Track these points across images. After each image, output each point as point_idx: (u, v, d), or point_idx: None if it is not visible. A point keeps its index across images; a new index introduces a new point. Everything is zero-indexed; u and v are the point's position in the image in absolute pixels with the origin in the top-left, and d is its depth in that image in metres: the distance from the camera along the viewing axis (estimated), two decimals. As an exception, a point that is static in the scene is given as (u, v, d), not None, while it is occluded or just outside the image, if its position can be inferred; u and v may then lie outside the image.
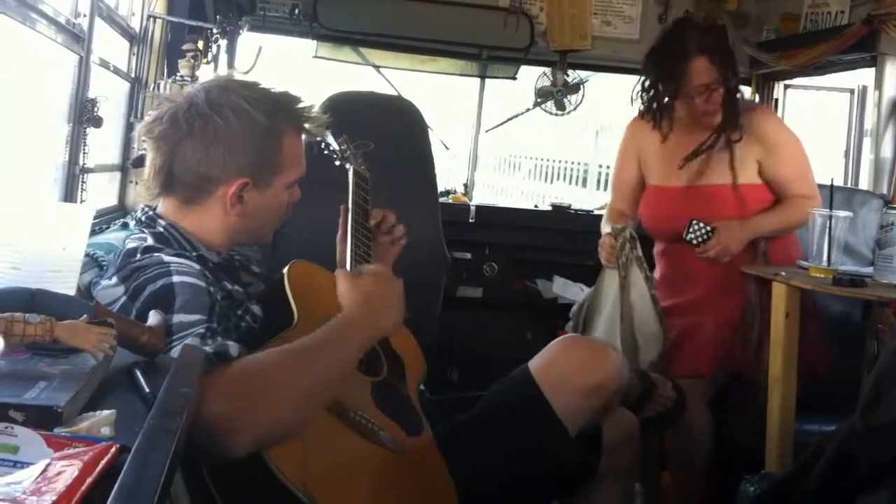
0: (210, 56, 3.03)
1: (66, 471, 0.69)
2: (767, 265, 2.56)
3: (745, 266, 2.55)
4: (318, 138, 1.87)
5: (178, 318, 1.39)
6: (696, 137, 2.68)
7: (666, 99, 2.68)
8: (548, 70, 3.98)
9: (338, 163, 2.01)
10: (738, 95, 2.67)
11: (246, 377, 1.30)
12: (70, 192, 2.27)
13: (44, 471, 0.69)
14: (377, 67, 4.01)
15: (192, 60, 2.79)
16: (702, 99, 2.59)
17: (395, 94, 3.81)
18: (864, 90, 3.67)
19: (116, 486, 0.64)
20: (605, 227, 2.73)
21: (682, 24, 2.75)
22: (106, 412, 0.87)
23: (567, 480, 1.86)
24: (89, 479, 0.70)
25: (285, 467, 1.32)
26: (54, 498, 0.65)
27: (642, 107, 2.78)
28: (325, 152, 2.01)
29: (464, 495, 1.62)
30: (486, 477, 1.70)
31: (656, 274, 2.72)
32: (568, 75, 3.97)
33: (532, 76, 4.04)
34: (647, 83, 2.73)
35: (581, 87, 4.02)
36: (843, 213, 2.39)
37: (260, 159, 1.65)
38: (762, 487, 1.87)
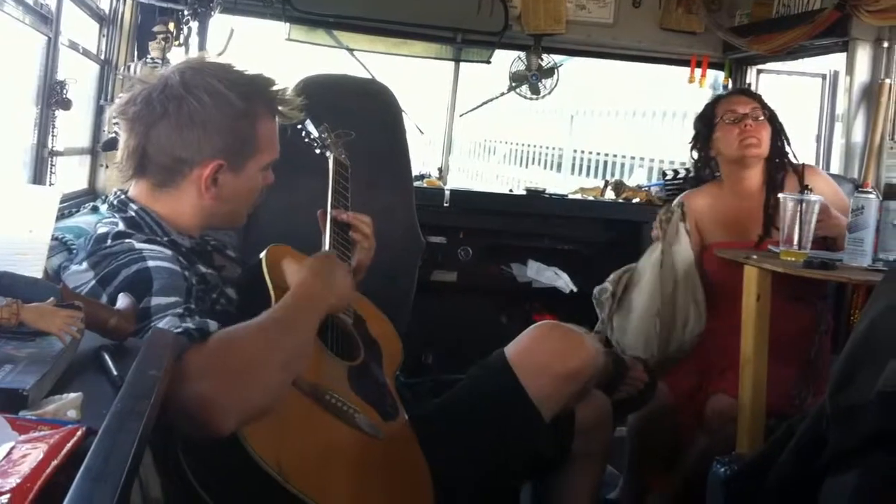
0: (181, 38, 3.00)
1: (32, 453, 0.68)
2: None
3: (717, 250, 2.57)
4: (294, 122, 1.86)
5: (155, 300, 1.38)
6: (748, 203, 2.72)
7: (709, 143, 2.75)
8: (522, 54, 3.98)
9: (318, 151, 2.01)
10: (788, 149, 2.73)
11: (223, 352, 1.29)
12: (39, 176, 2.24)
13: (8, 453, 0.69)
14: (351, 50, 3.99)
15: (163, 43, 2.77)
16: (740, 128, 2.64)
17: (370, 77, 3.79)
18: (835, 75, 3.70)
19: (82, 468, 0.64)
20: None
21: None
22: (72, 395, 0.86)
23: (541, 463, 1.87)
24: (55, 462, 0.69)
25: (260, 448, 1.31)
26: (19, 480, 0.64)
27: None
28: (306, 140, 2.00)
29: (439, 479, 1.62)
30: (461, 461, 1.70)
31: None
32: (542, 59, 3.98)
33: (506, 60, 4.03)
34: (694, 144, 2.82)
35: (555, 71, 4.03)
36: (814, 197, 2.40)
37: (234, 142, 1.64)
38: (733, 468, 1.89)
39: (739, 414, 2.38)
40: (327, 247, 1.79)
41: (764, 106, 2.70)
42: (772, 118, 2.69)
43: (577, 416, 1.91)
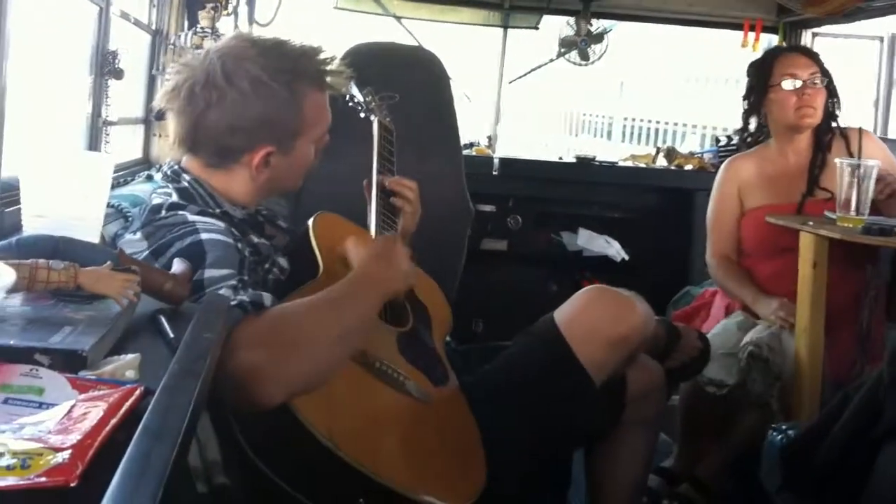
0: (230, 8, 3.01)
1: (92, 412, 0.70)
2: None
3: (769, 216, 2.53)
4: (341, 91, 1.85)
5: (209, 272, 1.39)
6: (794, 159, 2.69)
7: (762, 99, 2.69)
8: (571, 19, 3.93)
9: (363, 115, 2.00)
10: (839, 112, 2.68)
11: (277, 325, 1.29)
12: (94, 145, 2.28)
13: (69, 411, 0.70)
14: (398, 18, 3.97)
15: (213, 12, 2.78)
16: (797, 95, 2.59)
17: (417, 45, 3.77)
18: (893, 38, 3.60)
19: (140, 426, 0.64)
20: (742, 291, 2.62)
21: None
22: (130, 356, 0.87)
23: (592, 430, 1.87)
24: (114, 420, 0.70)
25: (310, 415, 1.32)
26: (80, 437, 0.65)
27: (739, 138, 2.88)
28: (350, 104, 1.99)
29: (489, 445, 1.62)
30: (512, 427, 1.70)
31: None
32: (591, 25, 3.92)
33: (555, 26, 3.98)
34: (747, 96, 2.77)
35: (605, 36, 3.97)
36: (871, 162, 2.35)
37: (281, 128, 1.64)
38: (788, 437, 1.87)
39: (796, 383, 2.35)
40: (373, 215, 1.78)
41: (823, 70, 2.64)
42: (829, 84, 2.64)
43: (628, 383, 1.90)
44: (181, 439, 0.63)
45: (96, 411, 0.69)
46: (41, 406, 0.71)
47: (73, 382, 0.76)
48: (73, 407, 0.70)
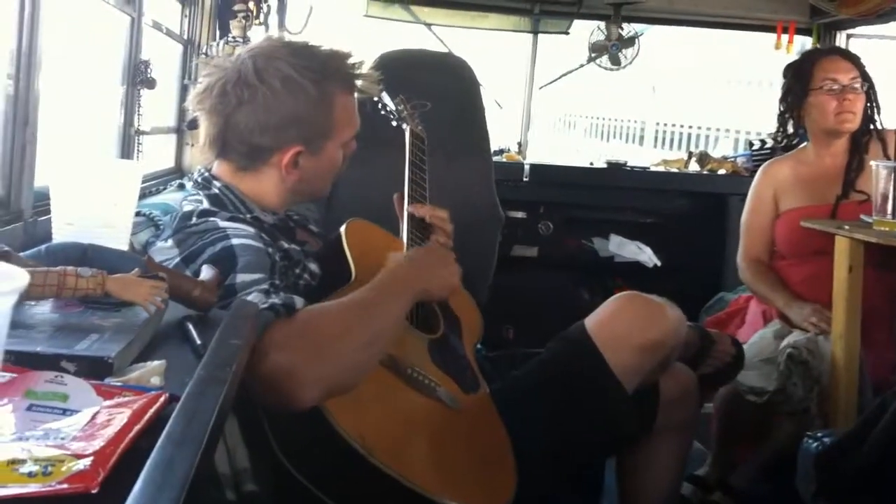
0: (261, 17, 3.03)
1: (116, 418, 0.70)
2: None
3: (805, 220, 2.49)
4: (372, 96, 1.86)
5: (240, 277, 1.39)
6: (830, 161, 2.67)
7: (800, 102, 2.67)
8: (602, 24, 3.91)
9: (395, 123, 2.00)
10: (877, 116, 2.66)
11: (309, 327, 1.30)
12: (126, 154, 2.30)
13: (92, 418, 0.70)
14: (428, 25, 3.98)
15: (244, 21, 2.80)
16: (838, 100, 2.57)
17: (447, 51, 3.77)
18: (931, 38, 3.54)
19: (164, 433, 0.64)
20: (774, 295, 2.59)
21: None
22: (156, 362, 0.88)
23: (623, 437, 1.85)
24: (137, 427, 0.70)
25: (344, 421, 1.32)
26: (102, 443, 0.65)
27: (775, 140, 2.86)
28: (382, 112, 2.00)
29: (518, 452, 1.61)
30: (541, 433, 1.69)
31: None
32: (622, 29, 3.89)
33: (585, 31, 3.96)
34: (784, 98, 2.74)
35: (636, 40, 3.94)
36: (908, 164, 2.31)
37: (311, 127, 1.65)
38: (824, 444, 1.84)
39: (833, 388, 2.32)
40: (405, 235, 1.78)
41: (863, 74, 2.61)
42: (869, 88, 2.61)
43: (661, 389, 1.87)
44: (205, 446, 0.63)
45: (120, 418, 0.70)
46: (65, 413, 0.71)
47: (98, 389, 0.76)
48: (96, 413, 0.71)
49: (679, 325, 1.81)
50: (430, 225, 1.84)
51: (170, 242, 1.56)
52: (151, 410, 0.74)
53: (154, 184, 2.47)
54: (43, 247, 1.13)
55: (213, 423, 0.67)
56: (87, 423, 0.69)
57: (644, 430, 1.85)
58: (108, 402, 0.73)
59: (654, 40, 4.63)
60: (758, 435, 2.55)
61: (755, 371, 2.36)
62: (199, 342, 0.98)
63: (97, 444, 0.65)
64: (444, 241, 1.82)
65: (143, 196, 2.27)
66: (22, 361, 0.84)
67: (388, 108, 2.00)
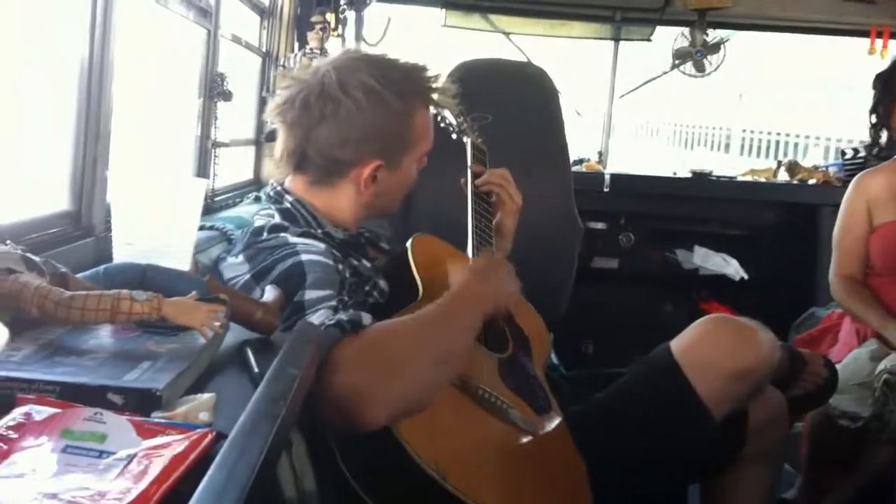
0: (339, 29, 3.03)
1: (153, 463, 0.65)
2: None
3: None
4: (451, 108, 1.84)
5: (309, 294, 1.38)
6: None
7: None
8: (685, 30, 3.79)
9: (454, 136, 1.97)
10: None
11: (377, 345, 1.26)
12: (203, 167, 2.31)
13: (131, 460, 0.66)
14: (507, 34, 3.93)
15: (321, 33, 2.80)
16: None
17: (525, 60, 3.72)
18: None
19: (205, 480, 0.60)
20: (868, 315, 2.48)
21: None
22: (206, 396, 0.83)
23: (709, 465, 1.76)
24: (176, 473, 0.66)
25: (416, 443, 1.28)
26: (140, 490, 0.61)
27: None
28: (442, 126, 1.96)
29: (597, 477, 1.54)
30: (623, 459, 1.62)
31: None
32: (707, 35, 3.78)
33: (669, 37, 3.86)
34: (874, 109, 2.65)
35: (722, 46, 3.82)
36: None
37: (392, 141, 1.64)
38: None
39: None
40: (470, 235, 1.74)
41: None
42: None
43: (749, 414, 1.78)
44: (248, 491, 0.58)
45: (160, 461, 0.65)
46: (101, 455, 0.67)
47: (140, 428, 0.71)
48: (132, 458, 0.66)
49: (772, 350, 1.71)
50: (494, 204, 1.85)
51: (240, 258, 1.55)
52: (194, 454, 0.69)
53: (232, 196, 2.48)
54: (102, 267, 1.12)
55: (260, 466, 0.63)
56: (125, 467, 0.65)
57: (731, 458, 1.76)
58: (146, 444, 0.69)
59: (742, 45, 4.49)
60: (852, 461, 2.41)
61: (849, 395, 2.24)
62: (256, 370, 0.94)
63: (134, 491, 0.61)
64: (511, 207, 1.87)
65: (219, 209, 2.28)
66: (67, 394, 0.81)
67: (447, 121, 1.97)
